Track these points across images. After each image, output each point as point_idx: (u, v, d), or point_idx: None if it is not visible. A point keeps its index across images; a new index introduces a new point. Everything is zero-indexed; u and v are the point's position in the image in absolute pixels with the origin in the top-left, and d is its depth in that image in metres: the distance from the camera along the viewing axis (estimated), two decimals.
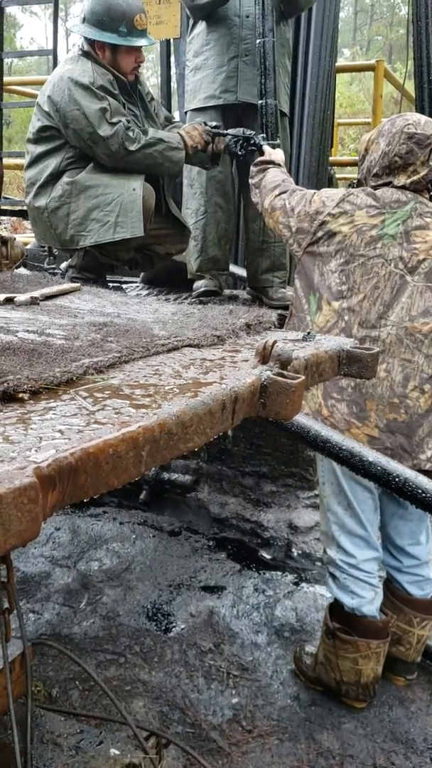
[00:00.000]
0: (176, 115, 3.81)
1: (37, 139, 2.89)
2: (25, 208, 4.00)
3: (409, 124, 2.06)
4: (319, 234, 2.12)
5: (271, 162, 2.55)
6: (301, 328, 2.16)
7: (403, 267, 2.04)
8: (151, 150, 2.77)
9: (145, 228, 2.73)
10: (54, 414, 0.81)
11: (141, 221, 2.72)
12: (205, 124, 2.95)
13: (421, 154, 2.06)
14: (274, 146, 2.84)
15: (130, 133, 2.72)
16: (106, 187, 2.77)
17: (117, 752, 1.55)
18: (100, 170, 2.80)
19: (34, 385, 0.88)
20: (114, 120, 2.70)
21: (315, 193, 2.22)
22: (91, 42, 2.80)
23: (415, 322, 2.02)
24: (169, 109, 4.46)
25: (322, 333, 2.10)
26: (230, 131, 2.97)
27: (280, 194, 2.30)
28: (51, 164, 2.86)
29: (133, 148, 2.73)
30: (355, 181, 2.33)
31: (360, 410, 2.03)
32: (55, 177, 2.86)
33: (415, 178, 2.08)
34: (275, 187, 2.35)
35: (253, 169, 2.56)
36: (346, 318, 2.06)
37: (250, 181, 2.54)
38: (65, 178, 2.82)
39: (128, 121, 2.75)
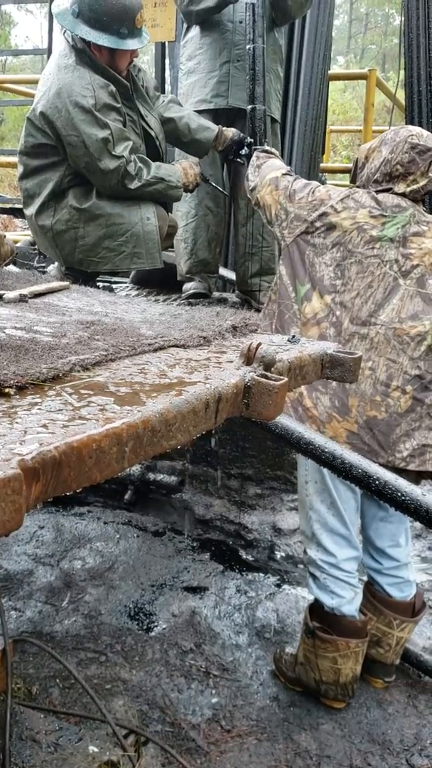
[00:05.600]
0: None
1: (30, 153, 2.79)
2: (17, 206, 3.98)
3: (412, 135, 2.14)
4: (318, 224, 2.14)
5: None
6: (286, 316, 2.17)
7: (397, 270, 2.07)
8: (150, 189, 2.72)
9: (161, 257, 2.72)
10: (39, 409, 0.82)
11: (159, 252, 2.70)
12: (201, 175, 2.97)
13: (422, 165, 2.12)
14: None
15: (131, 170, 2.64)
16: (118, 216, 2.71)
17: (96, 749, 1.56)
18: (107, 197, 2.73)
19: (21, 381, 0.90)
20: (117, 152, 2.61)
21: (319, 185, 2.25)
22: (86, 39, 2.65)
23: (404, 325, 2.06)
24: None
25: (309, 324, 2.12)
26: (213, 183, 3.06)
27: (284, 175, 2.33)
28: (50, 180, 2.77)
29: (132, 186, 2.66)
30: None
31: (342, 405, 2.06)
32: (57, 195, 2.78)
33: (414, 187, 2.14)
34: (281, 167, 2.38)
35: (259, 153, 2.60)
36: (338, 313, 2.09)
37: (253, 162, 2.54)
38: (71, 201, 2.74)
39: (131, 152, 2.66)
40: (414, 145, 2.11)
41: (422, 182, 2.13)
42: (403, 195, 2.14)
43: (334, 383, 2.06)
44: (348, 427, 2.05)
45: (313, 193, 2.20)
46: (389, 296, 2.07)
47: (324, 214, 2.14)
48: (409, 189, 2.14)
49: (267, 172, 2.38)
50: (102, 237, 2.73)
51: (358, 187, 2.30)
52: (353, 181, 2.37)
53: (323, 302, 2.11)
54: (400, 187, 2.14)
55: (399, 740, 2.15)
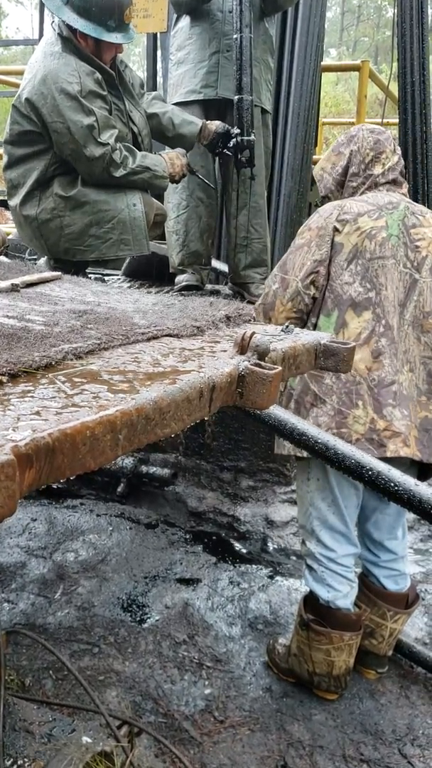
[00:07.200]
0: None
1: (15, 142, 2.77)
2: (5, 198, 3.95)
3: (364, 125, 2.27)
4: (332, 252, 2.07)
5: None
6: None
7: (410, 266, 2.06)
8: (135, 177, 2.70)
9: (148, 244, 2.70)
10: (32, 396, 0.81)
11: (146, 239, 2.68)
12: (188, 166, 2.95)
13: (386, 144, 2.20)
14: (249, 141, 2.85)
15: (116, 158, 2.62)
16: (104, 203, 2.69)
17: (89, 740, 1.56)
18: (92, 184, 2.71)
19: (13, 369, 0.89)
20: (102, 138, 2.59)
21: (297, 242, 2.14)
22: (72, 27, 2.64)
23: (430, 319, 2.04)
24: None
25: (358, 347, 1.98)
26: (200, 175, 3.04)
27: (268, 285, 2.18)
28: (35, 169, 2.74)
29: (117, 174, 2.65)
30: (317, 201, 2.35)
31: (409, 412, 2.02)
32: (42, 184, 2.75)
33: (389, 164, 2.19)
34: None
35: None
36: (383, 321, 2.02)
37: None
38: (56, 190, 2.72)
39: (116, 140, 2.64)
40: (372, 130, 2.23)
41: (394, 159, 2.21)
42: (384, 178, 2.17)
43: (398, 393, 1.98)
44: (415, 434, 2.01)
45: (300, 248, 2.10)
46: (409, 294, 2.05)
47: (335, 243, 2.07)
48: (386, 167, 2.19)
49: (260, 302, 2.22)
50: (88, 224, 2.71)
51: (325, 198, 2.28)
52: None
53: (362, 320, 2.03)
54: (378, 169, 2.19)
55: (391, 730, 2.16)
